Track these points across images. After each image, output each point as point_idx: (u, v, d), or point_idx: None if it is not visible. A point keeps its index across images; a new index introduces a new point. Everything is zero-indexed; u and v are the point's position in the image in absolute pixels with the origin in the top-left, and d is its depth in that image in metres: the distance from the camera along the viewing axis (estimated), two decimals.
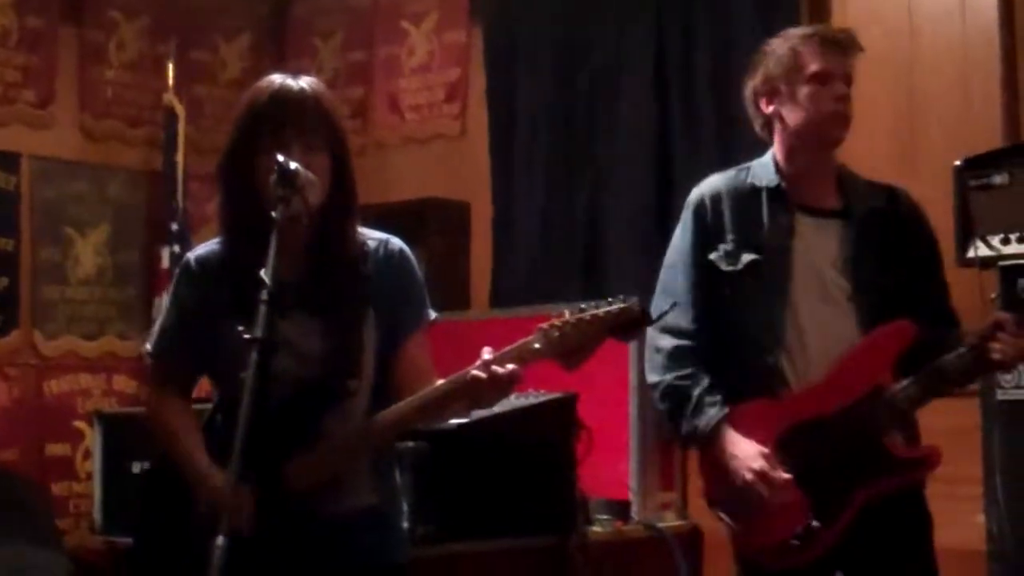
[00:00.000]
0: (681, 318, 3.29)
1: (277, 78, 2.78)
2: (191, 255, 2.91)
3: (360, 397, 2.76)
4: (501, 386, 2.61)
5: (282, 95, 2.74)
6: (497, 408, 4.30)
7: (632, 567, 4.87)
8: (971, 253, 3.96)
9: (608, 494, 5.07)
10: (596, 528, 4.84)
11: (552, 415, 4.48)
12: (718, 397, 3.23)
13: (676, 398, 3.28)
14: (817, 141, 3.28)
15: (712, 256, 3.29)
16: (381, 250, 2.84)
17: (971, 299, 3.72)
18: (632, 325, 2.60)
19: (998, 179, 4.04)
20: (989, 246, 3.97)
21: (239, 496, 2.48)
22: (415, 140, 6.80)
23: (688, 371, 3.27)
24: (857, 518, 3.11)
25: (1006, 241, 3.98)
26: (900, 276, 3.23)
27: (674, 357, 3.30)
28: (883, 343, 3.17)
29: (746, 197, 3.31)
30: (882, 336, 3.18)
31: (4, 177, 6.32)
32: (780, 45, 3.32)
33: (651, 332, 3.32)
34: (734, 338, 3.26)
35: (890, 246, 3.26)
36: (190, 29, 6.94)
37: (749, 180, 3.34)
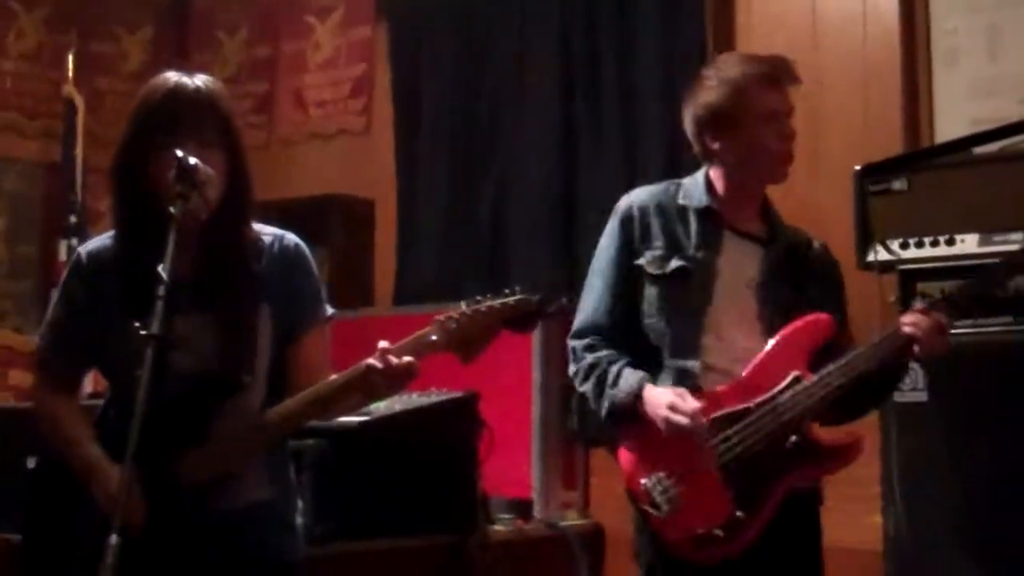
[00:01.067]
0: (599, 317, 3.33)
1: (172, 75, 2.77)
2: (82, 249, 2.89)
3: (254, 392, 2.76)
4: (397, 378, 2.62)
5: (177, 92, 2.73)
6: (398, 406, 4.33)
7: (533, 566, 4.86)
8: (871, 257, 4.00)
9: (510, 493, 5.06)
10: (497, 527, 4.83)
11: (453, 414, 4.47)
12: (639, 371, 3.23)
13: (596, 376, 3.28)
14: (759, 177, 3.33)
15: (640, 261, 3.31)
16: (276, 245, 2.84)
17: (871, 303, 3.78)
18: (528, 317, 2.66)
19: (897, 185, 4.09)
20: (888, 250, 4.02)
21: (131, 491, 2.47)
22: (320, 136, 6.76)
23: (605, 353, 3.30)
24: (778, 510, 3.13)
25: (905, 246, 4.02)
26: (808, 304, 3.27)
27: (590, 348, 3.33)
28: (799, 336, 3.22)
29: (674, 212, 3.35)
30: (799, 329, 3.22)
31: None
32: (726, 79, 3.28)
33: (570, 340, 3.38)
34: (651, 340, 3.29)
35: (801, 277, 3.31)
36: (91, 20, 6.87)
37: (680, 198, 3.36)
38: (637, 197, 3.41)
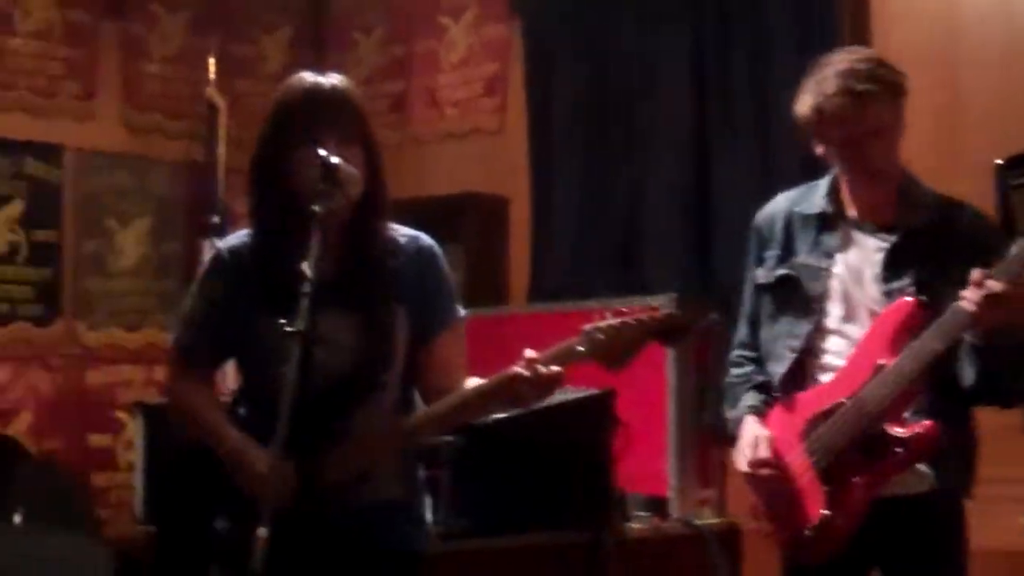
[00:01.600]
0: (743, 335, 3.43)
1: (307, 75, 2.80)
2: (222, 245, 2.92)
3: (390, 391, 2.78)
4: (544, 386, 2.63)
5: (315, 91, 2.76)
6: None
7: (669, 564, 4.83)
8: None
9: (646, 490, 5.05)
10: (633, 524, 4.81)
11: (589, 411, 4.46)
12: (756, 395, 3.31)
13: (730, 395, 3.41)
14: (861, 185, 3.27)
15: (757, 272, 3.36)
16: (411, 247, 2.85)
17: None
18: (677, 332, 2.64)
19: None
20: None
21: (283, 471, 2.52)
22: (454, 135, 6.79)
23: (741, 371, 3.40)
24: (882, 509, 3.09)
25: None
26: (946, 284, 3.13)
27: (735, 363, 3.44)
28: (885, 323, 3.16)
29: (799, 218, 3.35)
30: (885, 315, 3.17)
31: (47, 170, 6.38)
32: (810, 94, 3.22)
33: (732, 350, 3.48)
34: (767, 349, 3.34)
35: (943, 255, 3.19)
36: (231, 23, 6.98)
37: (807, 199, 3.36)
38: (770, 204, 3.42)
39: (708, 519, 5.20)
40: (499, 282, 6.39)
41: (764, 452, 3.19)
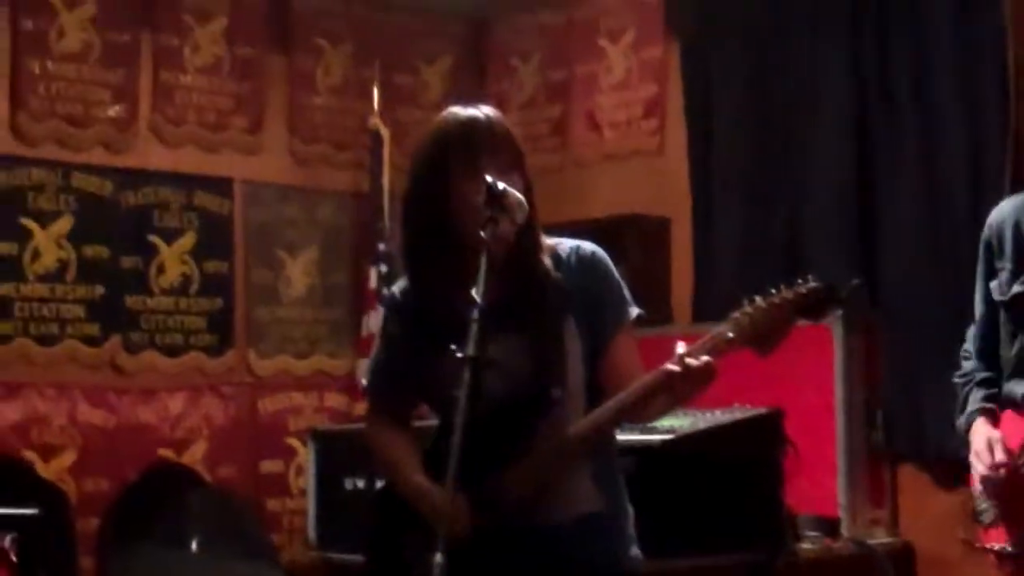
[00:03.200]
0: (969, 341, 3.45)
1: (459, 109, 2.86)
2: (395, 288, 3.02)
3: (569, 405, 2.80)
4: (697, 378, 2.64)
5: (473, 123, 2.81)
6: (702, 424, 4.34)
7: None
8: None
9: (816, 511, 5.01)
10: (805, 545, 4.78)
11: (758, 431, 4.45)
12: (981, 392, 3.32)
13: (961, 397, 3.42)
14: None
15: (991, 284, 3.32)
16: (573, 257, 2.88)
17: None
18: (821, 304, 2.64)
19: None
20: None
21: (456, 504, 2.56)
22: (614, 157, 6.81)
23: (968, 368, 3.42)
24: None
25: None
26: None
27: (964, 357, 3.47)
28: None
29: None
30: None
31: (218, 202, 6.54)
32: None
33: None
34: (1010, 367, 3.30)
35: None
36: (393, 53, 7.06)
37: None
38: (997, 212, 3.35)
39: (880, 539, 5.14)
40: (663, 302, 6.38)
41: (1000, 455, 3.13)
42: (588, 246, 2.92)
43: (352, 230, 6.89)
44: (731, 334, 2.64)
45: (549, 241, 2.90)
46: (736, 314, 2.66)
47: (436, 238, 2.82)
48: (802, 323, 2.67)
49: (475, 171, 2.72)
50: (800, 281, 2.65)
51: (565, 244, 2.91)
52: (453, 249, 2.74)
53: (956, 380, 3.41)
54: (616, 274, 2.93)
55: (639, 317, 2.92)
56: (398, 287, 3.00)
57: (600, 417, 2.77)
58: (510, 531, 2.74)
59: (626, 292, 2.93)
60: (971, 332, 3.43)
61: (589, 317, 2.84)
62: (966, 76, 5.32)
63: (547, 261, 2.85)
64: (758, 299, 2.66)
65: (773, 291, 2.65)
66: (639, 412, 2.79)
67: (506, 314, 2.75)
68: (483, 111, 2.84)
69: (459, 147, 2.78)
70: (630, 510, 2.98)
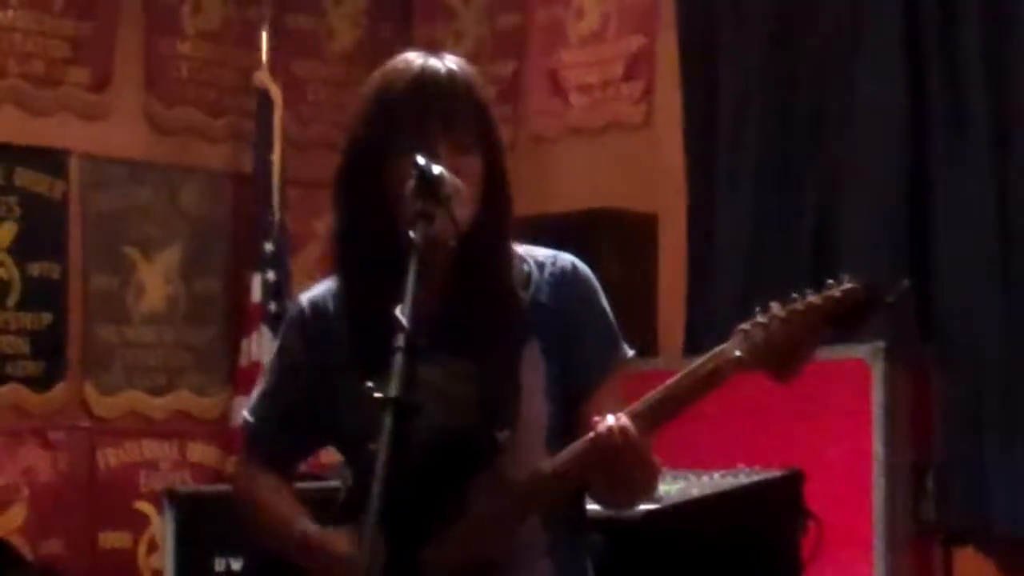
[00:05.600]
0: None
1: (415, 57, 2.84)
2: (304, 298, 3.01)
3: (520, 454, 2.80)
4: (616, 459, 2.65)
5: (425, 80, 2.79)
6: (695, 490, 4.40)
7: None
8: None
9: None
10: None
11: (768, 499, 4.50)
12: None
13: None
14: None
15: None
16: (547, 270, 2.89)
17: None
18: (860, 311, 2.65)
19: None
20: None
21: (374, 545, 2.51)
22: (584, 131, 6.87)
23: None
24: None
25: None
26: None
27: None
28: None
29: None
30: None
31: (48, 182, 6.51)
32: None
33: None
34: None
35: None
36: None
37: None
38: None
39: None
40: (646, 326, 6.41)
41: None
42: (567, 258, 2.93)
43: (229, 223, 6.92)
44: (739, 352, 2.66)
45: (518, 249, 2.91)
46: (746, 325, 2.68)
47: (373, 232, 2.82)
48: (834, 351, 2.71)
49: (422, 147, 2.71)
50: (831, 282, 2.66)
51: (538, 253, 2.93)
52: (394, 247, 2.71)
53: None
54: (602, 298, 2.93)
55: (629, 360, 2.93)
56: (307, 297, 3.01)
57: (561, 465, 2.75)
58: None
59: (613, 323, 2.94)
60: None
61: (564, 349, 2.86)
62: None
63: (517, 273, 2.87)
64: (775, 307, 2.67)
65: (795, 296, 2.67)
66: (592, 471, 2.76)
67: (448, 331, 2.78)
68: (447, 64, 2.82)
69: (403, 111, 2.77)
70: None
